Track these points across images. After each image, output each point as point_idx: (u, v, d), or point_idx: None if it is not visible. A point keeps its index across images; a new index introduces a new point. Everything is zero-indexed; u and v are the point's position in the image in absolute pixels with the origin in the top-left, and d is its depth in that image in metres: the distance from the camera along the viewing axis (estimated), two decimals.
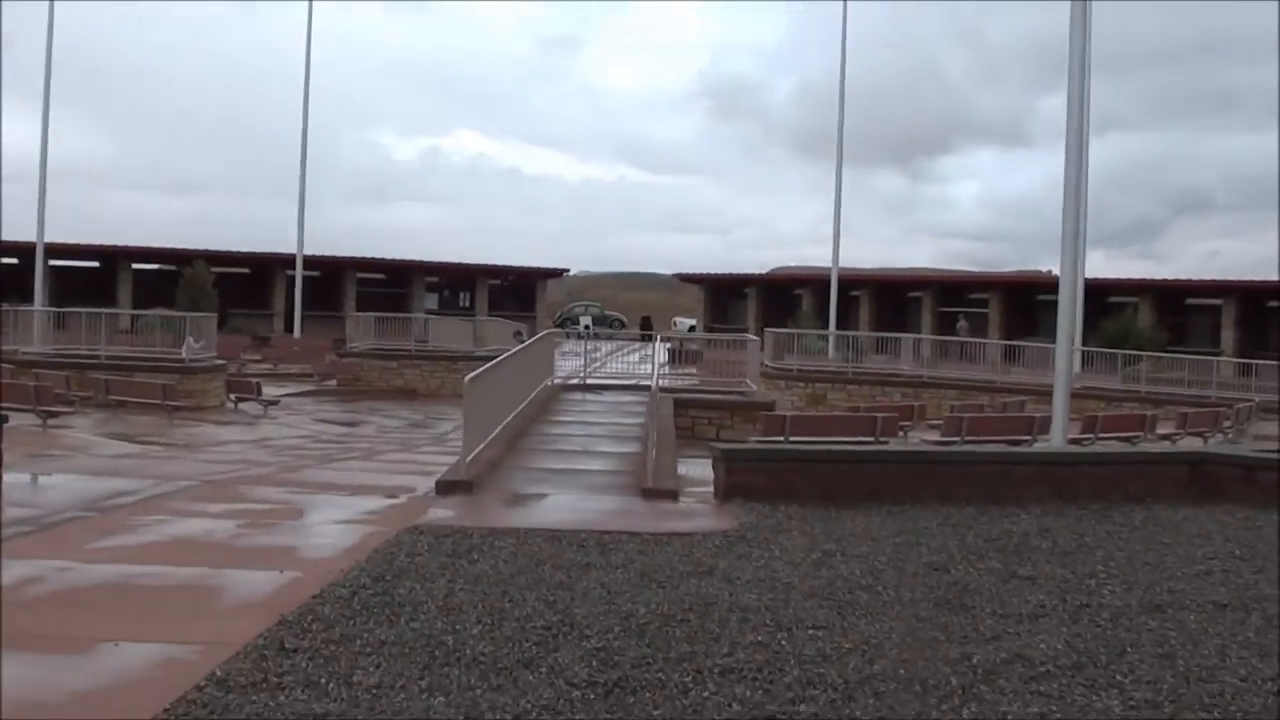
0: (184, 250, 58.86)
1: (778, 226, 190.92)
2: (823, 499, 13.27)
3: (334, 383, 38.99)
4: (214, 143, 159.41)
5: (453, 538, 10.57)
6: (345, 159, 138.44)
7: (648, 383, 32.51)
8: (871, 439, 19.74)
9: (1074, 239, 18.90)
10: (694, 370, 29.79)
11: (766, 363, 31.33)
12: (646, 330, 69.69)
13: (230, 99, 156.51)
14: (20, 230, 44.25)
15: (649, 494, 13.49)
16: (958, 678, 6.98)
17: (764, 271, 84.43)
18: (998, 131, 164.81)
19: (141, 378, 28.69)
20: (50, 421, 22.11)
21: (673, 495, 13.49)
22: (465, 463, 13.89)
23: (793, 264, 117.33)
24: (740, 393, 26.08)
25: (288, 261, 60.40)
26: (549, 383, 25.73)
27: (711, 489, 13.98)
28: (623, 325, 79.54)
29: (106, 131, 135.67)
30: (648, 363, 35.85)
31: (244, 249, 64.04)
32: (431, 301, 67.89)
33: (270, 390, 31.01)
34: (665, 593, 8.83)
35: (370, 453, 20.08)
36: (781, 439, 19.46)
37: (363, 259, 64.74)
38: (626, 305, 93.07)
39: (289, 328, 58.56)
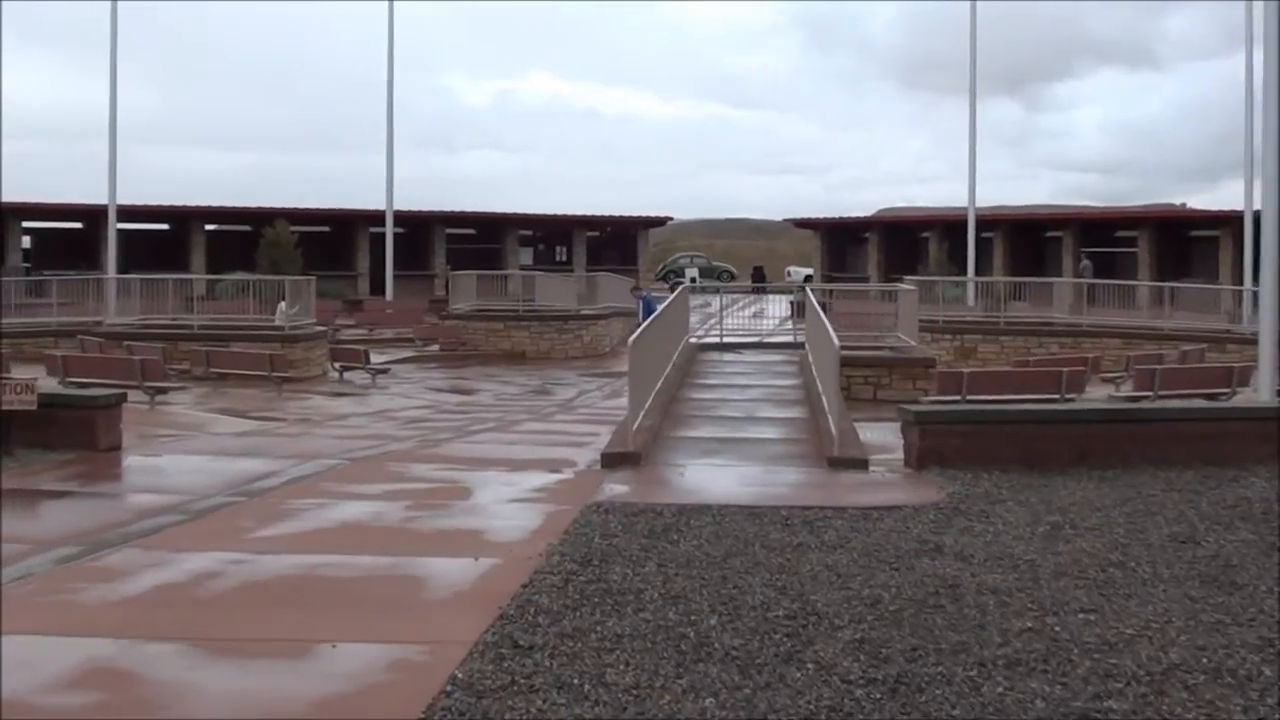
0: (260, 209, 59.30)
1: (880, 165, 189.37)
2: (1025, 464, 13.11)
3: (436, 347, 39.21)
4: (268, 93, 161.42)
5: (643, 516, 10.53)
6: (410, 105, 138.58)
7: (787, 338, 32.82)
8: (1057, 396, 19.40)
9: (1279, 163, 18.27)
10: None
11: (896, 312, 31.06)
12: (759, 282, 69.75)
13: (281, 44, 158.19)
14: (72, 191, 44.83)
15: (836, 464, 13.36)
16: (1269, 667, 6.74)
17: (869, 214, 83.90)
18: (1120, 52, 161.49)
19: (238, 347, 28.98)
20: (158, 398, 22.34)
21: (862, 464, 13.36)
22: (632, 432, 13.80)
23: (900, 204, 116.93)
24: (891, 348, 25.84)
25: (370, 218, 60.74)
26: (687, 341, 25.72)
27: (899, 456, 13.92)
28: (732, 277, 79.48)
29: (154, 82, 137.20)
30: (765, 318, 36.19)
31: (321, 206, 64.48)
32: (526, 257, 67.99)
33: (373, 358, 31.19)
34: (900, 575, 8.72)
35: (504, 424, 20.18)
36: (958, 398, 19.18)
37: (451, 213, 64.88)
38: (721, 255, 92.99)
39: (376, 289, 58.96)
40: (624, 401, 27.18)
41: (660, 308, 20.62)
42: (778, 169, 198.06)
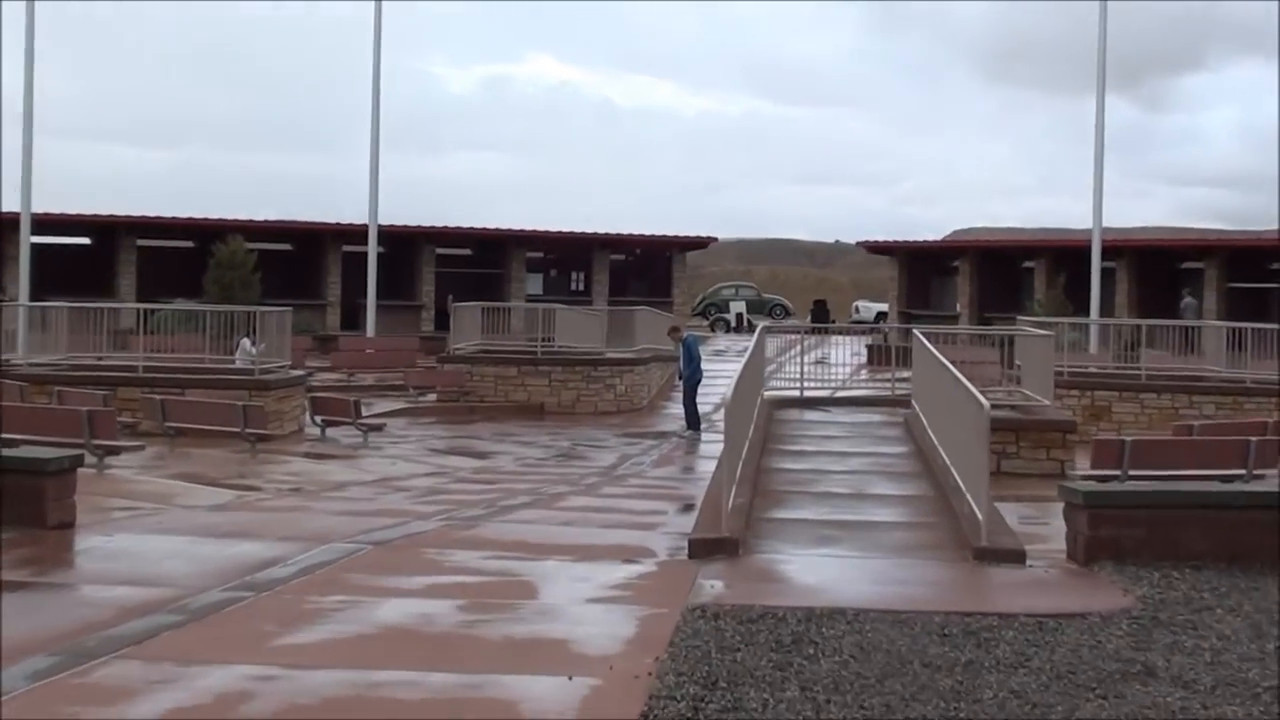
0: (209, 221, 59.66)
1: (956, 174, 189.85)
2: (1224, 559, 13.01)
3: (434, 397, 39.28)
4: (213, 80, 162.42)
5: (763, 623, 10.42)
6: (382, 95, 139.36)
7: (878, 391, 32.75)
8: (1243, 471, 19.25)
9: None
10: (908, 374, 29.86)
11: (1019, 361, 30.99)
12: (821, 319, 69.88)
13: (227, 20, 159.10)
14: None
15: (984, 556, 13.26)
16: None
17: (944, 235, 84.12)
18: (1266, 40, 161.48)
19: (195, 395, 28.97)
20: (108, 460, 22.28)
21: (1018, 558, 13.27)
22: (727, 513, 13.72)
23: (980, 224, 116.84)
24: (1013, 406, 25.74)
25: (343, 234, 61.12)
26: (762, 395, 25.75)
27: (1056, 546, 13.92)
28: (786, 313, 79.64)
29: (70, 64, 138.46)
30: (832, 364, 36.37)
31: (283, 218, 64.72)
32: (534, 284, 68.16)
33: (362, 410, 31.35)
34: (1112, 706, 8.55)
35: (542, 498, 20.18)
36: (1117, 472, 19.08)
37: (443, 229, 64.90)
38: (761, 284, 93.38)
39: (349, 322, 59.11)
40: (677, 471, 27.70)
41: (748, 354, 20.50)
42: (831, 178, 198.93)
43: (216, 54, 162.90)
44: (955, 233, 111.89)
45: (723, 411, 36.58)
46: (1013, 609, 11.11)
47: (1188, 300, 56.72)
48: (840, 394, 33.06)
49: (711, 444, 30.56)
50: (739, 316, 76.57)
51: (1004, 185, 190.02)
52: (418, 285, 63.83)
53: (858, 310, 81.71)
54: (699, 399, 33.63)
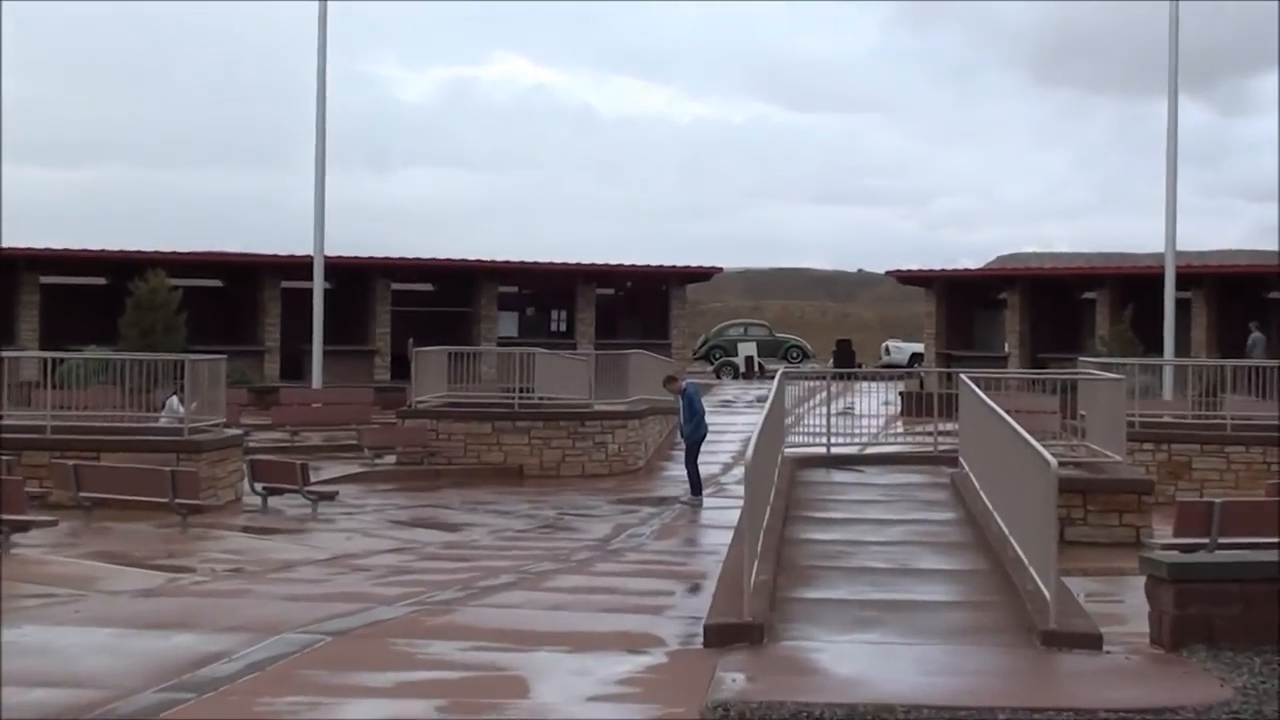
0: (124, 253, 59.54)
1: (1001, 192, 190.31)
2: None
3: (393, 459, 39.22)
4: (119, 87, 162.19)
5: None
6: (328, 103, 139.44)
7: (916, 446, 32.74)
8: None
9: None
10: (952, 426, 29.93)
11: (1082, 410, 31.09)
12: (846, 363, 69.99)
13: (140, 21, 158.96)
14: None
15: (1054, 641, 13.24)
16: None
17: (985, 262, 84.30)
18: None
19: (113, 459, 28.97)
20: (16, 538, 22.30)
21: (1094, 642, 13.27)
22: (748, 594, 13.73)
23: (1030, 248, 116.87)
24: (1077, 463, 25.80)
25: (282, 267, 61.13)
26: (782, 453, 25.81)
27: (1136, 629, 13.87)
28: (805, 356, 79.89)
29: None
30: (859, 415, 36.41)
31: (210, 249, 64.84)
32: (509, 325, 68.24)
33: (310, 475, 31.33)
34: None
35: (527, 577, 20.21)
36: (1206, 540, 19.11)
37: (400, 261, 64.86)
38: (772, 320, 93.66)
39: (290, 371, 59.12)
40: (681, 544, 27.74)
41: (767, 404, 20.58)
42: (854, 197, 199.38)
43: (133, 59, 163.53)
44: (1001, 259, 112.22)
45: (732, 473, 37.36)
46: (1090, 704, 11.11)
47: (1256, 336, 56.68)
48: (872, 450, 33.18)
49: (718, 510, 30.69)
50: (749, 360, 76.59)
51: (1058, 204, 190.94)
52: (371, 327, 63.80)
53: (888, 352, 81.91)
54: (700, 459, 33.62)
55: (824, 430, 32.09)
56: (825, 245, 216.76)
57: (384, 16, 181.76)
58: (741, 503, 16.00)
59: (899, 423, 43.97)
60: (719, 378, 74.05)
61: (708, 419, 34.54)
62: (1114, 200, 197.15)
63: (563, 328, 69.29)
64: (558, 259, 69.31)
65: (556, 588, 19.12)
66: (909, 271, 75.58)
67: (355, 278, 63.26)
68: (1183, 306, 58.02)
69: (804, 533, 20.06)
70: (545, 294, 71.18)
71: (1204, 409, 38.60)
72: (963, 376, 25.46)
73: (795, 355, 79.38)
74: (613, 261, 71.06)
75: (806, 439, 32.00)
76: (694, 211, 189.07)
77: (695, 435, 33.25)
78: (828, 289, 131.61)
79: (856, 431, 35.49)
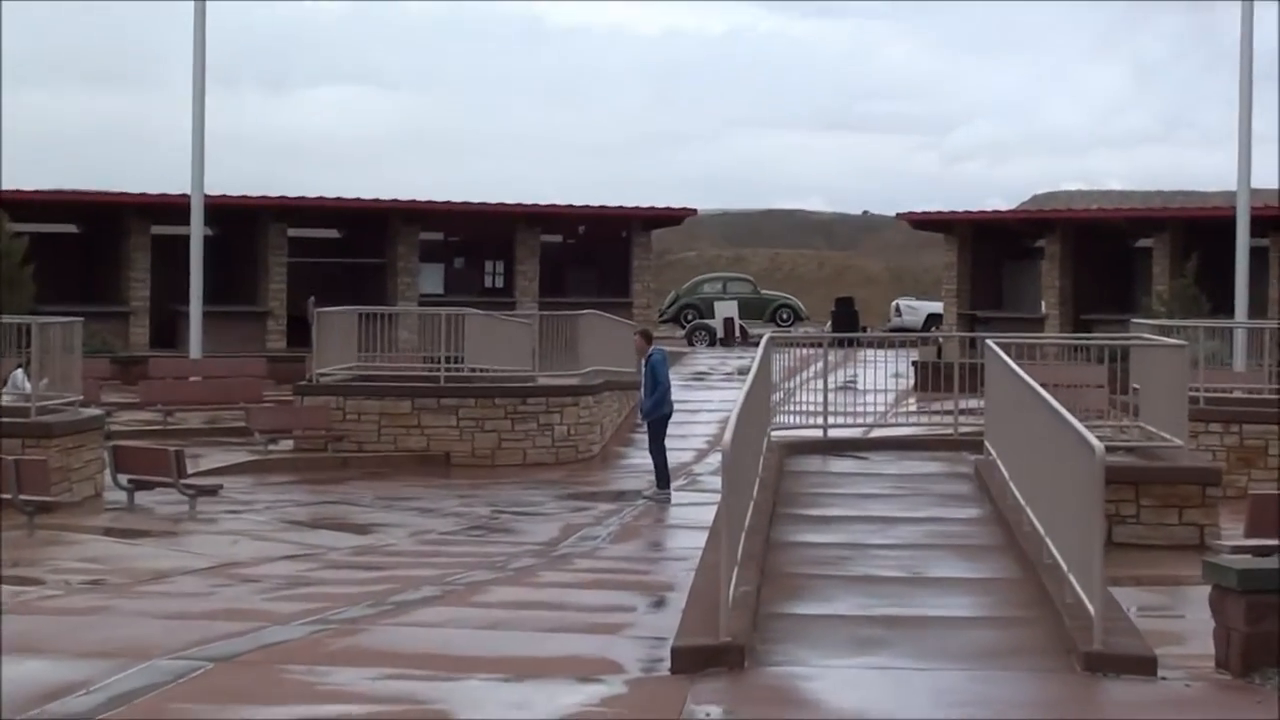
0: None
1: (1040, 118, 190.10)
2: None
3: (290, 445, 39.08)
4: None
5: None
6: (209, 7, 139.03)
7: (934, 428, 32.76)
8: None
9: None
10: (977, 403, 29.97)
11: (1135, 383, 31.04)
12: (847, 326, 69.95)
13: None
14: None
15: (1099, 664, 13.29)
16: None
17: (1018, 206, 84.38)
18: None
19: None
20: None
21: (1147, 666, 13.32)
22: (726, 608, 13.73)
23: (1074, 186, 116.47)
24: (1128, 447, 25.84)
25: (152, 209, 60.54)
26: (769, 437, 25.83)
27: (1199, 650, 13.94)
28: (797, 317, 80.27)
29: None
30: (863, 390, 36.49)
31: (63, 186, 64.46)
32: (433, 279, 68.10)
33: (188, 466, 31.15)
34: None
35: (453, 589, 20.20)
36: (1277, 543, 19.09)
37: (297, 201, 63.97)
38: (760, 275, 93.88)
39: (164, 338, 58.86)
40: (643, 549, 27.82)
41: (750, 377, 20.54)
42: (858, 123, 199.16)
43: None
44: (1037, 200, 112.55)
45: (707, 462, 37.48)
46: None
47: None
48: (879, 433, 33.26)
49: (690, 506, 30.78)
50: (728, 323, 76.46)
51: (1109, 132, 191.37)
52: (262, 283, 63.41)
53: (899, 312, 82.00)
54: (669, 444, 33.60)
55: (820, 409, 32.09)
56: (824, 182, 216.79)
57: None
58: (718, 497, 15.98)
59: (911, 400, 44.05)
60: (692, 344, 74.09)
61: (676, 394, 34.51)
62: (1177, 128, 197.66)
63: (500, 283, 69.14)
64: (493, 199, 69.18)
65: (491, 602, 19.06)
66: (925, 214, 75.53)
67: (242, 222, 62.82)
68: (1258, 256, 58.17)
69: (794, 534, 20.09)
70: (478, 242, 70.94)
71: None
72: (989, 343, 25.50)
73: (785, 317, 79.78)
74: (561, 202, 70.84)
75: (798, 420, 32.06)
76: (663, 142, 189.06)
77: (657, 413, 33.10)
78: (826, 236, 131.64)
79: (859, 411, 35.43)
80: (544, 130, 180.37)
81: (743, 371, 37.39)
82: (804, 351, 37.32)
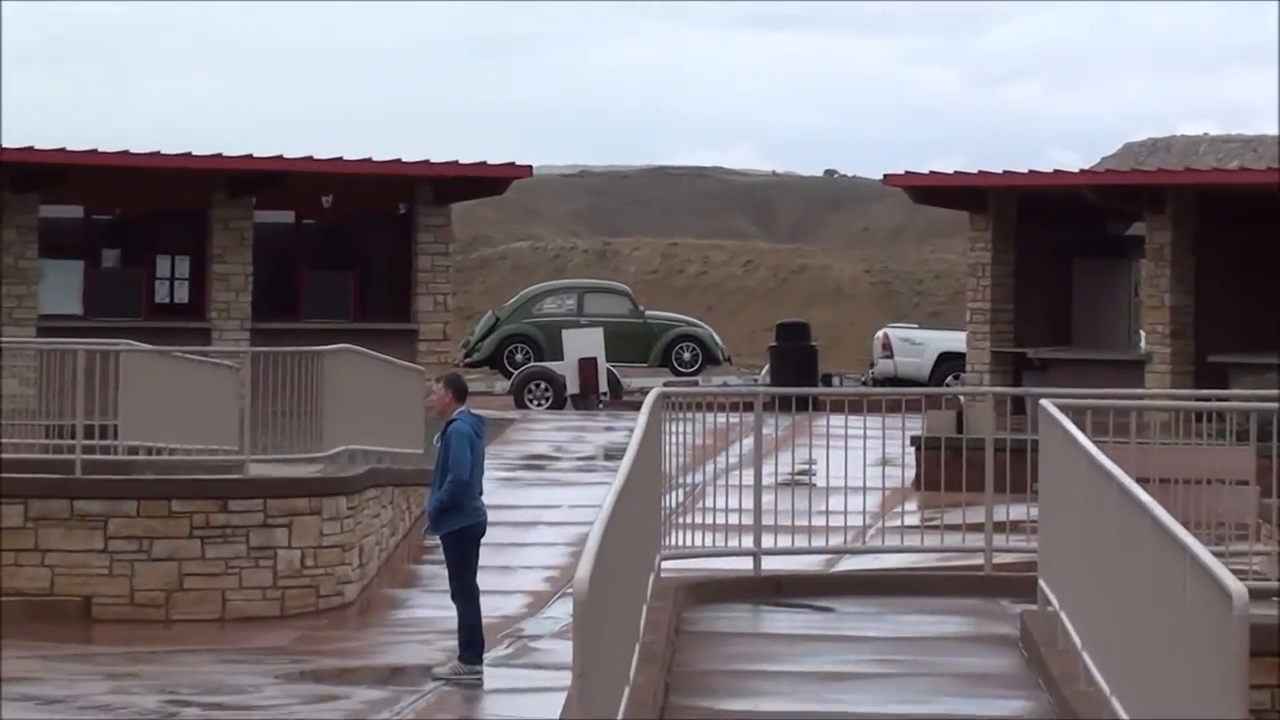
0: None
1: (1134, 13, 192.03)
2: None
3: None
4: None
5: None
6: None
7: (964, 559, 32.95)
8: None
9: None
10: (1025, 510, 30.07)
11: None
12: (795, 370, 70.25)
13: None
14: None
15: None
16: None
17: (1093, 165, 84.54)
18: None
19: None
20: None
21: None
22: None
23: (1192, 129, 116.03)
24: None
25: None
26: (657, 569, 25.96)
27: None
28: (708, 357, 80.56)
29: None
30: (815, 483, 36.62)
31: None
32: (62, 287, 68.28)
33: None
34: None
35: None
36: None
37: None
38: (649, 286, 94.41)
39: None
40: None
41: (626, 461, 20.64)
42: (815, 18, 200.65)
43: None
44: (1132, 152, 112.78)
45: (549, 615, 37.41)
46: None
47: None
48: (853, 564, 33.50)
49: (518, 695, 30.99)
50: (587, 368, 76.41)
51: (1251, 40, 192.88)
52: None
53: (889, 350, 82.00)
54: (482, 582, 33.62)
55: (750, 522, 32.24)
56: (755, 122, 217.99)
57: None
58: (566, 679, 16.03)
59: (911, 505, 44.13)
60: (523, 403, 74.22)
61: (498, 493, 34.60)
62: None
63: (183, 295, 69.26)
64: (170, 149, 69.19)
65: None
66: (935, 178, 75.72)
67: None
68: None
69: None
70: (145, 223, 71.09)
71: None
72: (1047, 405, 25.65)
73: (689, 358, 79.87)
74: (292, 155, 70.94)
75: (711, 541, 32.11)
76: (481, 47, 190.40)
77: (457, 526, 33.08)
78: (759, 215, 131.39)
79: (818, 526, 35.48)
80: (249, 38, 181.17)
81: (612, 454, 37.38)
82: (722, 419, 37.28)
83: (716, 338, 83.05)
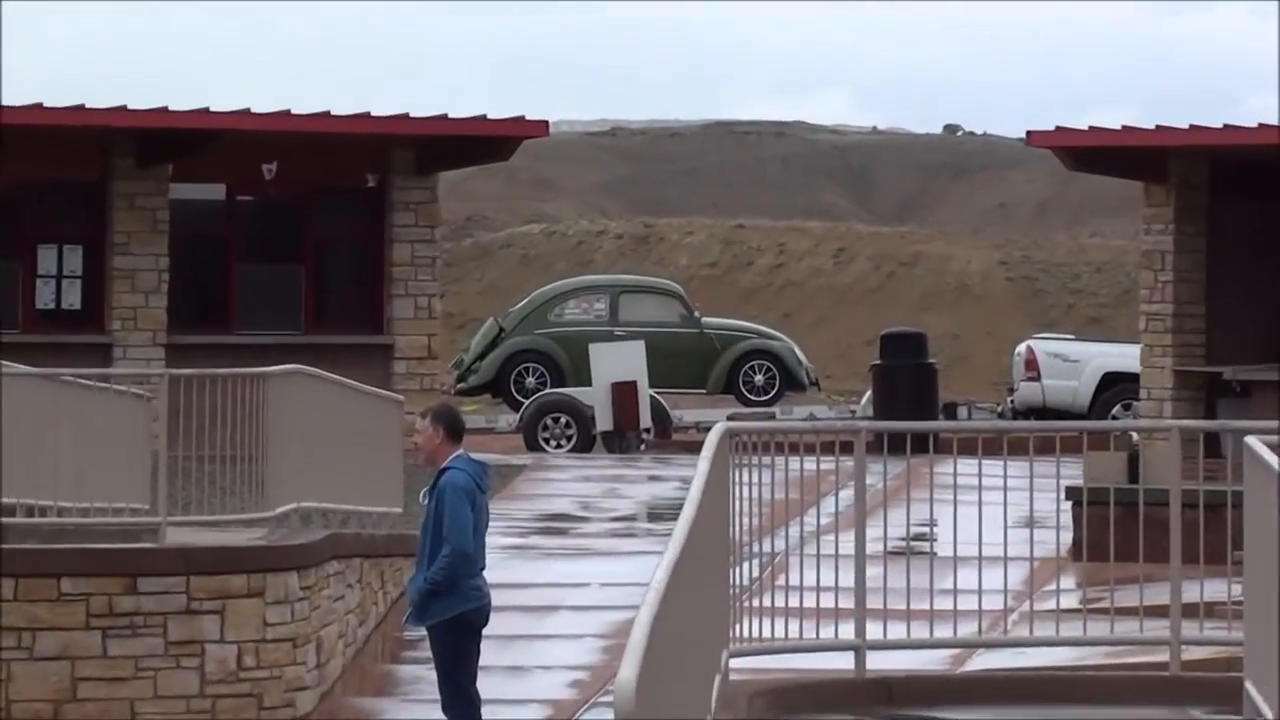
0: None
1: None
2: None
3: None
4: None
5: None
6: None
7: (1141, 654, 32.01)
8: None
9: None
10: (1227, 583, 29.37)
11: None
12: (906, 397, 69.60)
13: None
14: None
15: None
16: None
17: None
18: None
19: None
20: None
21: None
22: None
23: None
24: None
25: None
26: (725, 666, 26.48)
27: None
28: (787, 380, 79.93)
29: None
30: (936, 550, 35.80)
31: None
32: None
33: None
34: None
35: None
36: None
37: None
38: (707, 281, 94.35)
39: None
40: None
41: (682, 530, 19.41)
42: None
43: None
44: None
45: None
46: None
47: None
48: (989, 661, 33.61)
49: None
50: (623, 396, 75.94)
51: None
52: None
53: (1033, 369, 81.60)
54: (484, 688, 32.63)
55: (849, 604, 31.23)
56: (852, 67, 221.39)
57: None
58: None
59: (1066, 578, 43.28)
60: (538, 444, 73.85)
61: (507, 567, 33.55)
62: None
63: (74, 300, 68.92)
64: (57, 100, 69.12)
65: None
66: (1098, 134, 75.43)
67: None
68: None
69: None
70: (18, 200, 70.79)
71: None
72: (1253, 443, 24.54)
73: (761, 379, 79.25)
74: (222, 109, 70.58)
75: (796, 632, 31.21)
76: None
77: (450, 615, 32.10)
78: (853, 186, 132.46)
79: (942, 610, 34.65)
80: None
81: (658, 513, 36.64)
82: (810, 465, 36.30)
83: (799, 354, 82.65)
